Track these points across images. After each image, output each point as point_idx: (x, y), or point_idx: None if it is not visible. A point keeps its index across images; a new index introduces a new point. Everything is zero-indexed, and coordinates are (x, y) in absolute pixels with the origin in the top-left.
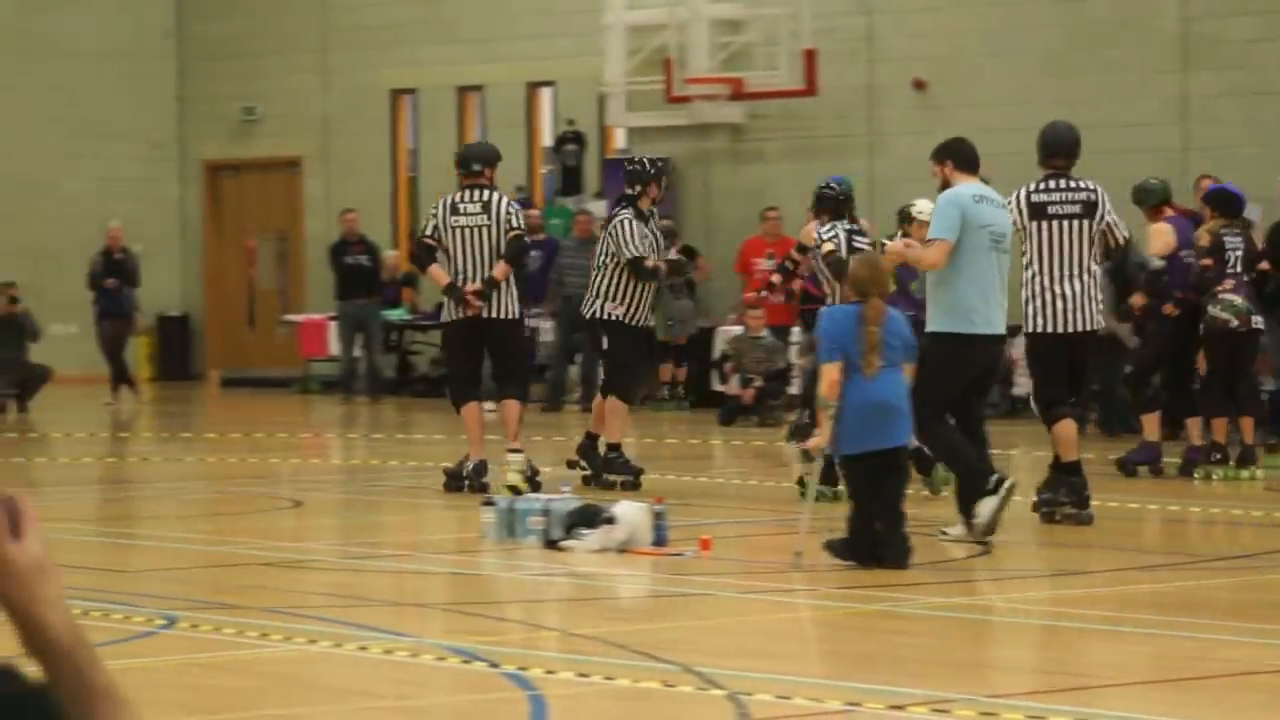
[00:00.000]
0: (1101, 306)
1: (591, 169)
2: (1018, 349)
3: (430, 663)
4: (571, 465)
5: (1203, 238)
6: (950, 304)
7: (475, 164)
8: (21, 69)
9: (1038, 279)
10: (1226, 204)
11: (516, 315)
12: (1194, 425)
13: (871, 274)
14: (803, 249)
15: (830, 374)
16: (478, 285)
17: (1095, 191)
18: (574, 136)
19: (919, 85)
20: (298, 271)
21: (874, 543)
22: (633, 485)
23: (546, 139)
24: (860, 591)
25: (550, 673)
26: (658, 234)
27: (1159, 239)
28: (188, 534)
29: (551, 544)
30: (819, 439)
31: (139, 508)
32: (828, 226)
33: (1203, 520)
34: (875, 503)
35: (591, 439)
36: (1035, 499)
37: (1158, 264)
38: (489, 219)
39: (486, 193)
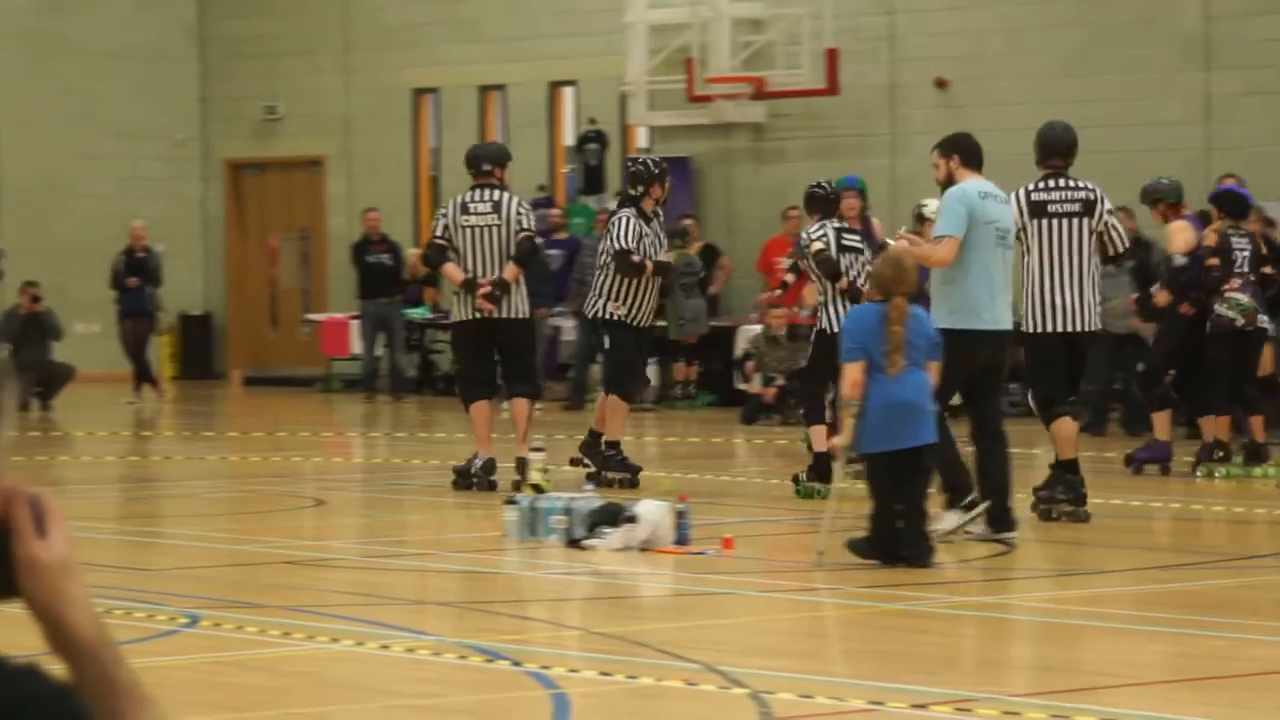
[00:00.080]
0: (1101, 308)
1: (613, 168)
2: None
3: (453, 661)
4: (575, 463)
5: (1209, 238)
6: (957, 300)
7: (485, 164)
8: (43, 69)
9: (1037, 278)
10: (1233, 205)
11: (526, 315)
12: (1208, 424)
13: (895, 273)
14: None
15: (852, 374)
16: (488, 287)
17: (1094, 191)
18: (596, 136)
19: (941, 84)
20: (320, 271)
21: (896, 542)
22: (630, 483)
23: (568, 138)
24: (882, 590)
25: (573, 671)
26: (660, 235)
27: (1180, 236)
28: (210, 532)
29: (574, 543)
30: (841, 438)
31: (161, 506)
32: (816, 226)
33: (1217, 519)
34: (897, 502)
35: (595, 437)
36: (1033, 497)
37: (1180, 260)
38: (499, 219)
39: (497, 192)
